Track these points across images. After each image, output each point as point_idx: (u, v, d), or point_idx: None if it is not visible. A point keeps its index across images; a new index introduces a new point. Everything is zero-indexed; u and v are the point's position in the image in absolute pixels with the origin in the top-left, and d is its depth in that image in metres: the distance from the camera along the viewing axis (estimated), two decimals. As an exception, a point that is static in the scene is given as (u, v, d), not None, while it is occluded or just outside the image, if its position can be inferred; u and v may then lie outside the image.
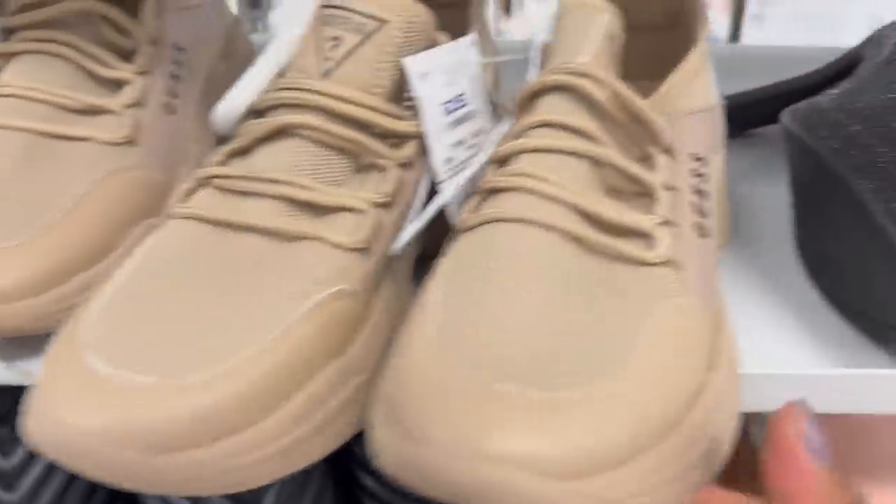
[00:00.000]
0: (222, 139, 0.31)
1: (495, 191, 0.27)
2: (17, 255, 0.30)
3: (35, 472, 0.43)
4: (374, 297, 0.28)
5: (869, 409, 0.34)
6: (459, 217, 0.28)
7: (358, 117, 0.28)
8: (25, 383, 0.28)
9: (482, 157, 0.29)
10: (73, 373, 0.23)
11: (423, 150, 0.30)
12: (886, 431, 0.48)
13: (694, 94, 0.32)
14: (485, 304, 0.23)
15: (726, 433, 0.25)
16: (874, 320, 0.34)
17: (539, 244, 0.25)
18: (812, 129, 0.37)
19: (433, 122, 0.29)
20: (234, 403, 0.22)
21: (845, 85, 0.38)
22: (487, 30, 0.37)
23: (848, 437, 0.49)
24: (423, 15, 0.29)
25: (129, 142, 0.35)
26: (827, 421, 0.49)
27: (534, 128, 0.28)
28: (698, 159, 0.30)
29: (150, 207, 0.34)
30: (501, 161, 0.28)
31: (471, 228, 0.27)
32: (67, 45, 0.36)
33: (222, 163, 0.29)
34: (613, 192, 0.28)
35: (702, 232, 0.28)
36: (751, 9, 2.04)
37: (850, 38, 0.49)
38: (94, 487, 0.47)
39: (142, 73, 0.37)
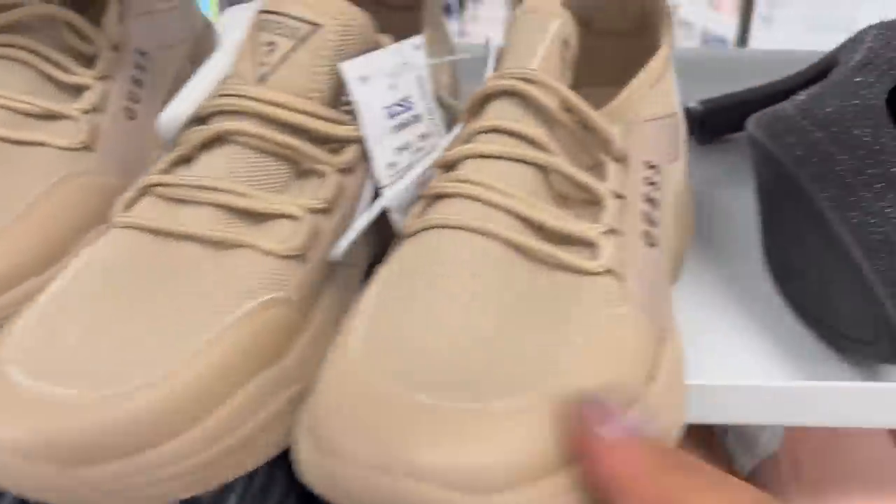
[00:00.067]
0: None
1: (439, 196, 0.27)
2: (-32, 259, 0.30)
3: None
4: (313, 306, 0.27)
5: (832, 422, 0.34)
6: (403, 223, 0.28)
7: (294, 123, 0.28)
8: None
9: (427, 161, 0.29)
10: None
11: (366, 155, 0.30)
12: (864, 442, 0.48)
13: (654, 101, 0.31)
14: (416, 313, 0.23)
15: None
16: (830, 328, 0.33)
17: (479, 252, 0.25)
18: (775, 136, 0.36)
19: (374, 126, 0.29)
20: (151, 416, 0.22)
21: (813, 90, 0.38)
22: (443, 31, 0.36)
23: (825, 449, 0.49)
24: (360, 18, 0.28)
25: (86, 147, 0.35)
26: (803, 432, 0.48)
27: (481, 133, 0.27)
28: (651, 167, 0.29)
29: (105, 213, 0.34)
30: (448, 166, 0.28)
31: (413, 234, 0.26)
32: (28, 50, 0.36)
33: (165, 171, 0.29)
34: (562, 200, 0.27)
35: (649, 241, 0.27)
36: (759, 10, 2.02)
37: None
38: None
39: (102, 78, 0.37)
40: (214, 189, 0.27)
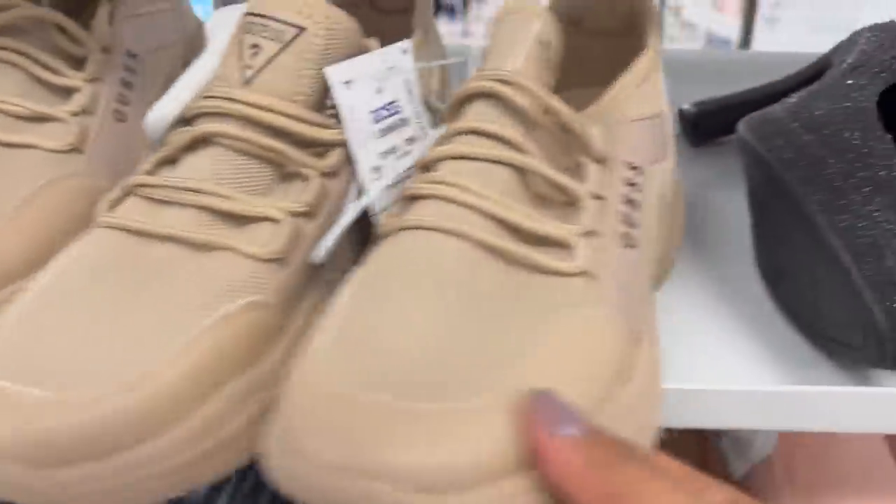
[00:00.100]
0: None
1: (415, 197, 0.27)
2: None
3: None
4: (295, 310, 0.27)
5: (822, 427, 0.33)
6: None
7: (277, 126, 0.28)
8: None
9: (407, 162, 0.29)
10: None
11: (350, 159, 0.30)
12: (858, 447, 0.47)
13: (640, 101, 0.31)
14: (385, 314, 0.23)
15: None
16: (820, 332, 0.33)
17: (452, 254, 0.25)
18: (765, 138, 0.36)
19: (359, 130, 0.29)
20: (125, 419, 0.22)
21: (804, 93, 0.38)
22: (434, 35, 0.36)
23: (819, 454, 0.48)
24: (345, 22, 0.28)
25: (75, 149, 0.35)
26: (797, 437, 0.48)
27: (458, 134, 0.27)
28: (633, 168, 0.29)
29: (94, 215, 0.34)
30: (426, 167, 0.28)
31: (388, 235, 0.26)
32: (18, 52, 0.36)
33: (150, 172, 0.29)
34: (541, 201, 0.27)
35: (628, 243, 0.27)
36: (763, 12, 2.02)
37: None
38: None
39: (91, 80, 0.37)
40: (197, 191, 0.27)
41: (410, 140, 0.31)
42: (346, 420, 0.19)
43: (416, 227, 0.25)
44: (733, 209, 0.43)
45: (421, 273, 0.24)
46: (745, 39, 1.89)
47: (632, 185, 0.29)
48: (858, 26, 0.43)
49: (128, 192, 0.29)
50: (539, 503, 0.20)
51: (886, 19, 0.43)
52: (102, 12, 0.39)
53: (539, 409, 0.20)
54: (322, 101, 0.29)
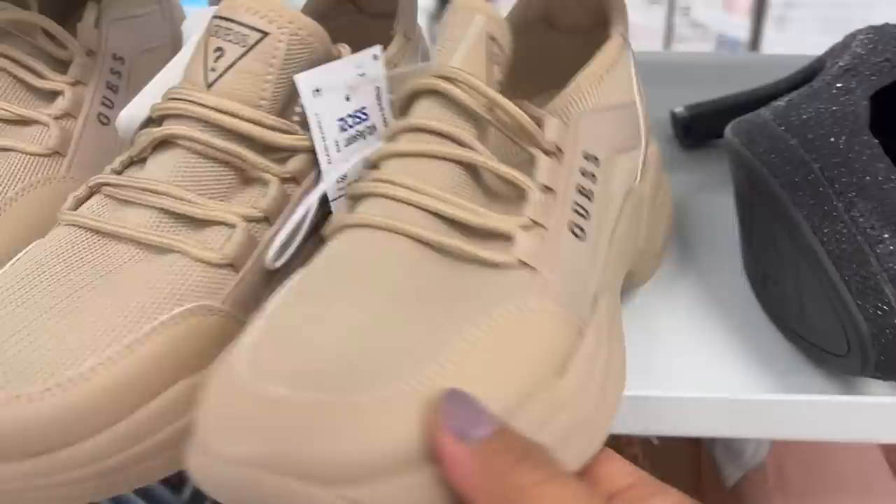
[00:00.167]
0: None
1: (360, 196, 0.27)
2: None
3: None
4: (250, 316, 0.27)
5: (809, 435, 0.33)
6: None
7: (238, 130, 0.28)
8: None
9: (354, 160, 0.28)
10: None
11: (314, 165, 0.30)
12: (851, 453, 0.47)
13: (604, 91, 0.31)
14: (313, 311, 0.23)
15: (568, 450, 0.23)
16: (805, 340, 0.33)
17: (389, 250, 0.24)
18: (751, 142, 0.35)
19: (325, 137, 0.29)
20: (53, 419, 0.22)
21: (793, 96, 0.37)
22: (418, 38, 0.36)
23: (812, 460, 0.48)
24: (311, 27, 0.28)
25: (56, 153, 0.35)
26: (790, 443, 0.48)
27: (402, 132, 0.27)
28: (590, 158, 0.29)
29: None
30: (372, 166, 0.28)
31: (331, 235, 0.26)
32: (2, 55, 0.36)
33: (117, 171, 0.29)
34: (493, 196, 0.27)
35: (578, 233, 0.27)
36: (773, 12, 2.00)
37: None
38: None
39: (75, 83, 0.37)
40: (157, 192, 0.27)
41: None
42: (251, 415, 0.19)
43: (358, 226, 0.25)
44: (725, 213, 0.42)
45: (359, 271, 0.24)
46: (755, 40, 1.88)
47: (587, 174, 0.28)
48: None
49: (93, 191, 0.29)
50: (439, 497, 0.19)
51: (898, 19, 0.42)
52: (89, 15, 0.39)
53: (444, 409, 0.19)
54: (288, 106, 0.29)
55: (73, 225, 0.28)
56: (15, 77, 0.36)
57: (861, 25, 0.41)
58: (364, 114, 0.30)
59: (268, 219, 0.28)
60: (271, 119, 0.28)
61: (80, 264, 0.26)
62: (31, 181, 0.34)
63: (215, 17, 0.28)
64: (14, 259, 0.27)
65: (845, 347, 0.30)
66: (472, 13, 0.28)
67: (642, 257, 0.35)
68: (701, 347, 0.35)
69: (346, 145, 0.30)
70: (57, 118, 0.36)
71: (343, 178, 0.29)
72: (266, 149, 0.29)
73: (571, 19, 0.37)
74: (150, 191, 0.27)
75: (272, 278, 0.28)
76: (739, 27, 2.11)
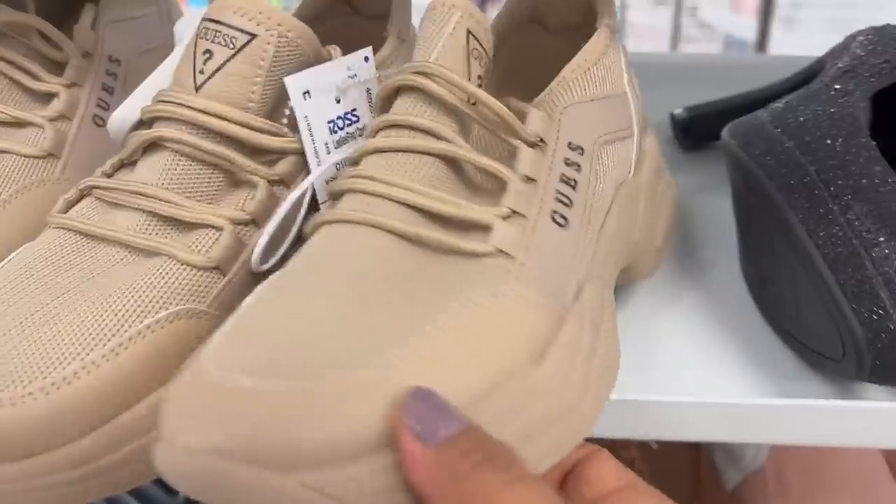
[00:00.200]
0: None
1: (339, 193, 0.27)
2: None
3: None
4: None
5: (807, 441, 0.33)
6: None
7: (226, 132, 0.28)
8: None
9: (334, 159, 0.28)
10: None
11: (304, 167, 0.29)
12: (851, 457, 0.46)
13: (591, 83, 0.31)
14: (286, 306, 0.22)
15: (545, 438, 0.22)
16: (802, 344, 0.32)
17: (367, 245, 0.24)
18: (747, 144, 0.35)
19: (315, 139, 0.29)
20: (34, 423, 0.22)
21: (791, 97, 0.37)
22: (412, 40, 0.36)
23: (812, 464, 0.47)
24: (299, 29, 0.28)
25: (51, 155, 0.35)
26: (790, 447, 0.47)
27: (381, 129, 0.27)
28: (574, 147, 0.29)
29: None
30: (354, 163, 0.28)
31: (312, 232, 0.26)
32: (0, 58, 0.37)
33: (107, 174, 0.29)
34: (475, 189, 0.27)
35: (560, 221, 0.27)
36: (780, 12, 1.99)
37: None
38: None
39: (70, 85, 0.37)
40: (145, 195, 0.27)
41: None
42: (213, 406, 0.19)
43: (338, 221, 0.25)
44: (724, 215, 0.42)
45: (336, 266, 0.24)
46: (762, 40, 1.87)
47: (571, 164, 0.28)
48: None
49: (83, 193, 0.29)
50: (399, 481, 0.19)
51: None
52: (86, 17, 0.39)
53: (406, 408, 0.19)
54: (277, 108, 0.29)
55: (62, 228, 0.28)
56: (10, 79, 0.36)
57: (870, 25, 0.41)
58: (355, 115, 0.30)
59: (255, 221, 0.28)
60: (259, 121, 0.28)
61: (68, 267, 0.26)
62: (26, 183, 0.34)
63: (204, 19, 0.28)
64: (2, 263, 0.27)
65: (841, 352, 0.30)
66: (449, 10, 0.28)
67: (639, 252, 0.35)
68: (700, 351, 0.34)
69: (337, 147, 0.29)
70: (52, 120, 0.36)
71: (333, 180, 0.29)
72: (254, 151, 0.28)
73: (561, 18, 0.37)
74: (139, 193, 0.27)
75: (259, 282, 0.28)
76: (747, 28, 2.10)
